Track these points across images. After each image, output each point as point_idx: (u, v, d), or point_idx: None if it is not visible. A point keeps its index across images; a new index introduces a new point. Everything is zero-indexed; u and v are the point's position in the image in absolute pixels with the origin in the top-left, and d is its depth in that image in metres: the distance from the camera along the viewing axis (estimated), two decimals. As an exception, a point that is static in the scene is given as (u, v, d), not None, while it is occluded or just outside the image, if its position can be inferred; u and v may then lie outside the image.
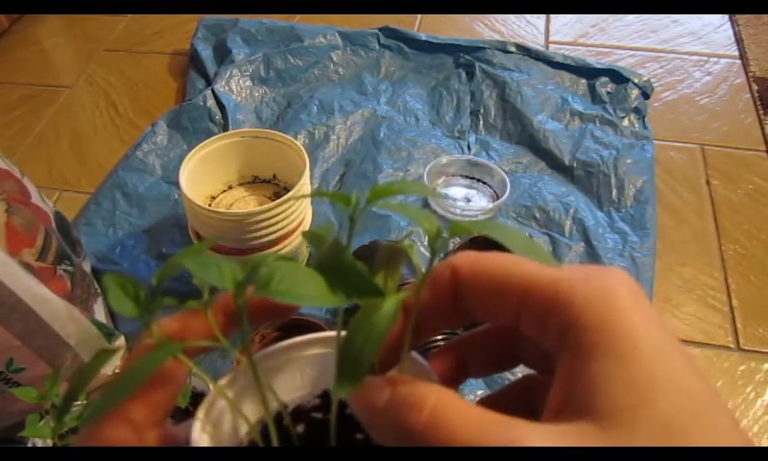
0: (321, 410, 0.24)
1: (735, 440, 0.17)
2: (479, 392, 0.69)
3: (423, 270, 0.22)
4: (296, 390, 0.24)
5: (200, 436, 0.21)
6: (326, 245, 0.21)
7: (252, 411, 0.23)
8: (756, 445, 0.66)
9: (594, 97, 1.06)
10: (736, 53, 1.19)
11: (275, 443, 0.22)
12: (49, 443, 0.53)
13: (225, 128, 1.00)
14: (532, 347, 0.23)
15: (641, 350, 0.18)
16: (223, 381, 0.23)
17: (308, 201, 0.76)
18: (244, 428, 0.23)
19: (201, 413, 0.22)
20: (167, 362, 0.21)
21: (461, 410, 0.18)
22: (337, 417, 0.22)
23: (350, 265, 0.20)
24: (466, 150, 0.99)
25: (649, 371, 0.17)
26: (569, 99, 1.05)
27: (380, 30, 1.16)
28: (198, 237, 0.75)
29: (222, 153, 0.78)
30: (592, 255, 0.82)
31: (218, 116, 1.02)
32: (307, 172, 0.72)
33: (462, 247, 0.82)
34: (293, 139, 0.76)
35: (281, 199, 0.69)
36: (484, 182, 0.94)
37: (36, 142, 1.06)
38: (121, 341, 0.71)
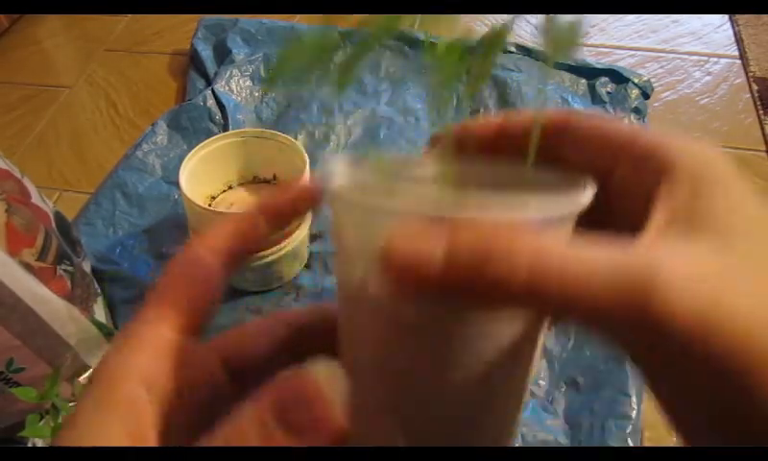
0: None
1: None
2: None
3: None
4: None
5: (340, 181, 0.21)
6: None
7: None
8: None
9: (594, 97, 1.07)
10: (736, 53, 1.19)
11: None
12: (49, 443, 0.53)
13: (225, 128, 1.00)
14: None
15: (743, 195, 0.18)
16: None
17: (308, 201, 0.76)
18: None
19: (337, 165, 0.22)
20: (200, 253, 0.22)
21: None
22: None
23: None
24: (466, 150, 0.99)
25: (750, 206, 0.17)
26: (569, 99, 1.05)
27: (380, 30, 1.16)
28: (198, 237, 0.75)
29: (222, 153, 0.78)
30: (592, 255, 0.82)
31: (218, 116, 1.02)
32: (307, 172, 0.72)
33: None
34: (293, 139, 0.76)
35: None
36: (484, 182, 0.94)
37: (36, 142, 1.05)
38: (121, 341, 0.71)
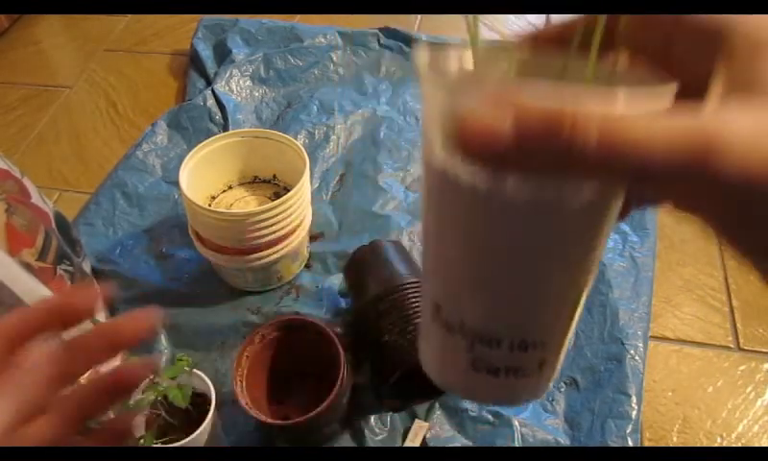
0: None
1: None
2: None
3: None
4: None
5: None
6: None
7: None
8: (756, 445, 0.67)
9: (594, 97, 1.06)
10: (736, 53, 1.19)
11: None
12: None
13: (225, 128, 1.00)
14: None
15: None
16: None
17: (308, 201, 0.76)
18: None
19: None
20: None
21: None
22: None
23: None
24: (466, 150, 0.99)
25: None
26: (569, 99, 1.05)
27: (380, 30, 1.16)
28: (198, 237, 0.75)
29: (222, 153, 0.78)
30: (592, 255, 0.82)
31: (218, 116, 1.02)
32: (307, 172, 0.72)
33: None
34: (293, 139, 0.76)
35: (281, 199, 0.69)
36: (484, 182, 0.94)
37: (36, 142, 1.06)
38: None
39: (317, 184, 0.94)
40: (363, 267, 0.72)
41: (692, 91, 0.21)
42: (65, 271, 0.65)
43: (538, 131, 0.16)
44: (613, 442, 0.65)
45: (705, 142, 0.15)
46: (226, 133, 0.78)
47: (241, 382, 0.61)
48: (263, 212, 0.68)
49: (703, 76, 0.20)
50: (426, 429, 0.66)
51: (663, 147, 0.15)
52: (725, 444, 0.67)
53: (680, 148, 0.15)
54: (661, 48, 0.21)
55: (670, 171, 0.16)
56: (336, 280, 0.80)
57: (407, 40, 1.16)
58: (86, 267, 0.75)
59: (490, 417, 0.67)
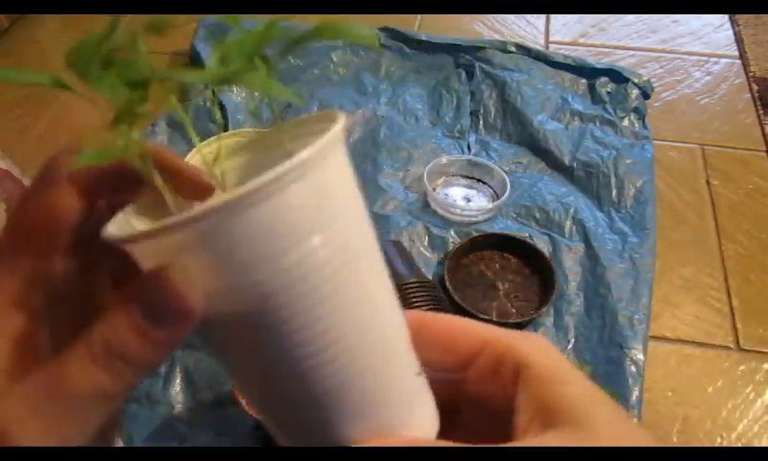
0: None
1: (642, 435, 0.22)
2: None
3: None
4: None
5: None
6: None
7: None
8: (756, 445, 0.66)
9: (594, 97, 1.07)
10: (736, 53, 1.19)
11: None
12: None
13: (225, 128, 1.00)
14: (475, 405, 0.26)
15: (578, 379, 0.23)
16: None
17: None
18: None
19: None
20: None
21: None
22: None
23: None
24: (466, 150, 0.99)
25: (588, 391, 0.22)
26: (569, 99, 1.05)
27: (380, 30, 1.16)
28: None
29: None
30: (592, 256, 0.82)
31: (218, 116, 1.02)
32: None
33: (461, 247, 0.82)
34: (293, 139, 0.76)
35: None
36: (484, 182, 0.94)
37: (35, 142, 1.06)
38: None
39: (317, 184, 0.94)
40: (363, 267, 0.72)
41: (488, 406, 0.25)
42: (65, 271, 0.65)
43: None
44: (613, 442, 0.65)
45: None
46: (226, 134, 0.78)
47: (241, 382, 0.61)
48: (263, 212, 0.68)
49: (501, 393, 0.24)
50: (426, 429, 0.66)
51: None
52: (725, 444, 0.67)
53: None
54: (458, 367, 0.25)
55: None
56: (336, 280, 0.80)
57: (407, 40, 1.16)
58: (86, 267, 0.75)
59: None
